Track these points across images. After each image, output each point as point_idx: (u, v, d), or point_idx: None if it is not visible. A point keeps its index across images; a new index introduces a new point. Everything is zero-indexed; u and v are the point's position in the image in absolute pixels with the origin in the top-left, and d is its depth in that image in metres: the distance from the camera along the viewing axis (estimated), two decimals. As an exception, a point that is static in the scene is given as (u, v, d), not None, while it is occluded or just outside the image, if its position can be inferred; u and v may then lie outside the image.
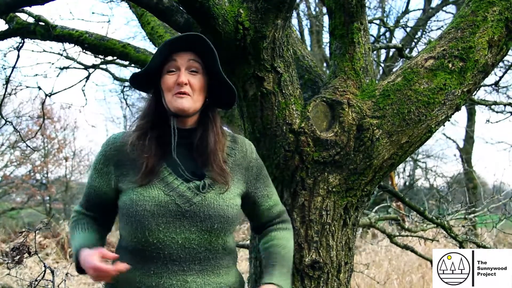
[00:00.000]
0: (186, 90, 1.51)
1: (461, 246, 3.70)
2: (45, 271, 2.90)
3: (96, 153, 1.62)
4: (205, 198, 1.49)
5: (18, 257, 2.83)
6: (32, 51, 5.98)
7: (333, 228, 2.16)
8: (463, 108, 2.92)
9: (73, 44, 3.62)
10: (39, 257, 3.06)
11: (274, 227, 1.71)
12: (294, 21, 12.06)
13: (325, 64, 11.84)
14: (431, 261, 3.98)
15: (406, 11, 12.11)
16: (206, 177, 1.52)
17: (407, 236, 4.40)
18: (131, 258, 1.48)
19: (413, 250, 4.25)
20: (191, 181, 1.51)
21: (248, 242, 2.63)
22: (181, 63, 1.53)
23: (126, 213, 1.49)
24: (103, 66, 5.87)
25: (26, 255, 2.85)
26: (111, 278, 1.38)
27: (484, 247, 3.80)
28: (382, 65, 7.98)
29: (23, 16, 3.59)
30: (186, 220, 1.47)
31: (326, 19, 11.50)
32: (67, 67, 5.84)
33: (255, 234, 1.81)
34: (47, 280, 2.96)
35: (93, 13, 14.31)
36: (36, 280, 2.93)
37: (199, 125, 1.58)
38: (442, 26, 9.76)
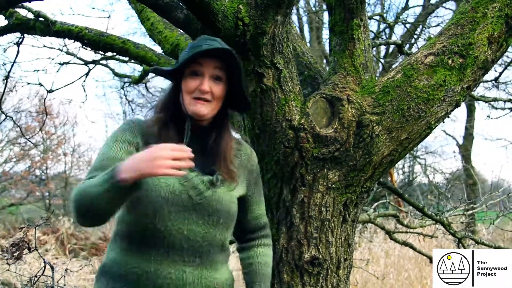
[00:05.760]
0: (207, 97, 1.53)
1: (459, 242, 3.71)
2: (44, 267, 2.91)
3: (115, 130, 1.55)
4: (216, 192, 1.53)
5: (17, 253, 2.83)
6: (32, 46, 5.94)
7: (332, 224, 2.16)
8: (463, 105, 2.92)
9: (73, 40, 3.62)
10: (38, 253, 3.06)
11: (256, 242, 1.73)
12: (294, 17, 12.04)
13: (324, 61, 11.81)
14: (429, 258, 3.99)
15: (406, 7, 12.07)
16: (216, 174, 1.56)
17: (406, 232, 4.41)
18: (131, 244, 1.49)
19: (412, 247, 4.25)
20: (205, 175, 1.54)
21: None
22: (207, 70, 1.53)
23: (139, 196, 1.44)
24: (103, 62, 5.84)
25: (25, 251, 2.86)
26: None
27: (483, 243, 3.80)
28: (382, 61, 7.97)
29: (22, 12, 3.58)
30: (195, 213, 1.50)
31: (326, 15, 11.49)
32: (67, 63, 5.81)
33: (235, 240, 1.81)
34: (46, 276, 2.97)
35: (93, 8, 14.27)
36: (35, 276, 2.94)
37: (213, 126, 1.60)
38: (441, 22, 9.75)
